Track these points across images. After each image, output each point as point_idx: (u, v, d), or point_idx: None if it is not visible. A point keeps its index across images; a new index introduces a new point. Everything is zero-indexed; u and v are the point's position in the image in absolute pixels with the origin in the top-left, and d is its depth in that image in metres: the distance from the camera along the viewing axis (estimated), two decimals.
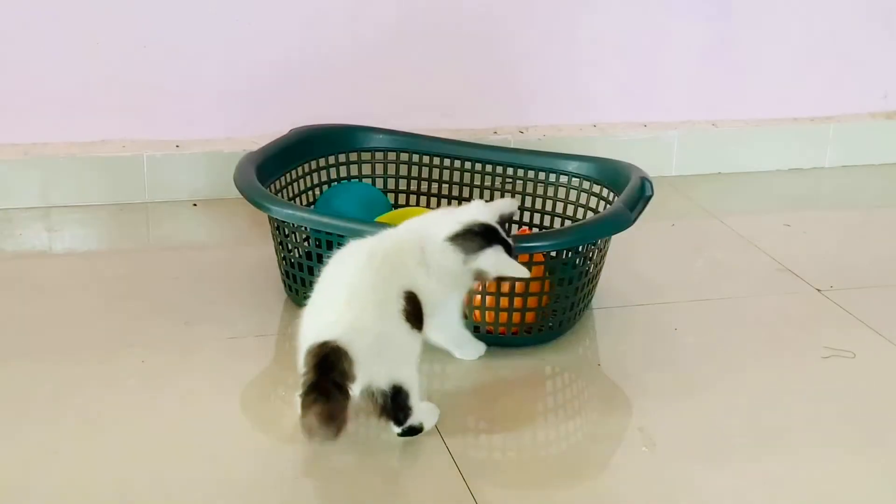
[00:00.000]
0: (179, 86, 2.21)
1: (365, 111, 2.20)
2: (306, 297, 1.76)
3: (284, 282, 1.82)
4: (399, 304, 1.43)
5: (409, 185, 2.06)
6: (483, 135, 2.30)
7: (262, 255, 1.96)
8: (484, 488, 1.39)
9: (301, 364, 1.40)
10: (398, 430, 1.46)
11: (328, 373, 1.35)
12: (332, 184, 2.01)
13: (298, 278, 1.77)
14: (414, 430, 1.47)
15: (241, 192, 1.77)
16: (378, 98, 2.28)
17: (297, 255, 1.79)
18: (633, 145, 2.37)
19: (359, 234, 1.68)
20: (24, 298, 1.83)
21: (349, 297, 1.42)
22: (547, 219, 1.97)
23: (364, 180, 2.05)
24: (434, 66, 2.31)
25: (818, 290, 1.92)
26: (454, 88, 2.34)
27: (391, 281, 1.45)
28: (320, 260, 1.73)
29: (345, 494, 1.38)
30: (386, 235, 1.53)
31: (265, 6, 2.20)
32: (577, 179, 1.94)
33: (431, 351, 1.69)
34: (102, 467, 1.40)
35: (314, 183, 1.99)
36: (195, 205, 2.21)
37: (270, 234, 1.83)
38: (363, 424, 1.55)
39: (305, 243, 1.80)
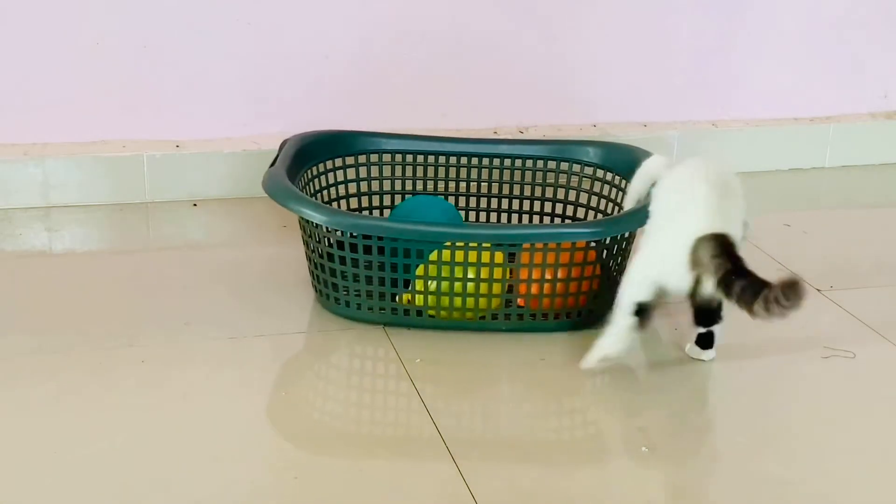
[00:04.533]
0: (179, 86, 2.21)
1: (365, 111, 2.21)
2: (338, 301, 1.75)
3: (322, 291, 1.79)
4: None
5: (415, 185, 2.05)
6: (483, 135, 2.30)
7: (262, 255, 1.96)
8: (483, 487, 1.39)
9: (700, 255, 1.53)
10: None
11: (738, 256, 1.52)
12: (331, 189, 2.00)
13: (330, 283, 1.75)
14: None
15: (299, 209, 1.72)
16: (378, 98, 2.28)
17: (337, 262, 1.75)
18: (634, 145, 2.37)
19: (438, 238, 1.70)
20: (24, 298, 1.83)
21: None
22: (559, 207, 2.04)
23: (361, 184, 2.03)
24: (434, 66, 2.31)
25: (818, 290, 1.91)
26: (454, 88, 2.34)
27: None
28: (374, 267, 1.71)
29: (345, 494, 1.38)
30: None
31: (265, 6, 2.20)
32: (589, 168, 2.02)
33: (423, 348, 1.70)
34: (102, 467, 1.40)
35: (315, 189, 1.97)
36: (195, 205, 2.21)
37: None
38: (364, 423, 1.55)
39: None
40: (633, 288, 1.59)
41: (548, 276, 1.71)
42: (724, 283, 1.50)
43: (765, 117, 2.52)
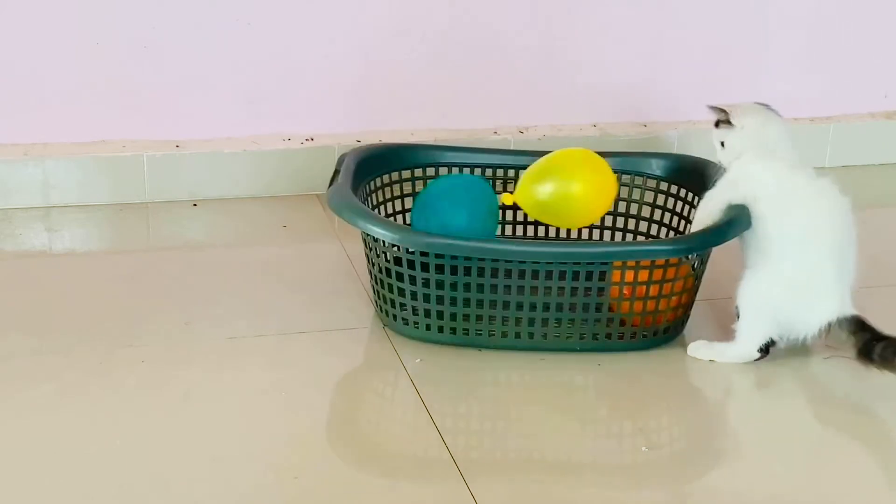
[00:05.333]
0: (179, 86, 2.21)
1: (365, 111, 2.21)
2: (405, 321, 1.70)
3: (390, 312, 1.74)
4: None
5: None
6: (483, 135, 2.30)
7: (262, 255, 1.96)
8: (483, 487, 1.39)
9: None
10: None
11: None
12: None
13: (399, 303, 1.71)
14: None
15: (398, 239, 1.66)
16: (378, 98, 2.28)
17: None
18: (633, 145, 2.37)
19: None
20: (24, 298, 1.83)
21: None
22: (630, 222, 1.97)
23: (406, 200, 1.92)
24: (434, 66, 2.31)
25: None
26: (454, 88, 2.34)
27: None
28: (441, 286, 1.66)
29: (345, 494, 1.38)
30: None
31: (265, 6, 2.20)
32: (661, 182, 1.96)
33: (424, 349, 1.70)
34: (102, 468, 1.41)
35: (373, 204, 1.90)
36: (195, 205, 2.21)
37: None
38: (364, 423, 1.55)
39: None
40: (765, 325, 1.67)
41: (641, 294, 1.68)
42: (865, 351, 1.60)
43: None
